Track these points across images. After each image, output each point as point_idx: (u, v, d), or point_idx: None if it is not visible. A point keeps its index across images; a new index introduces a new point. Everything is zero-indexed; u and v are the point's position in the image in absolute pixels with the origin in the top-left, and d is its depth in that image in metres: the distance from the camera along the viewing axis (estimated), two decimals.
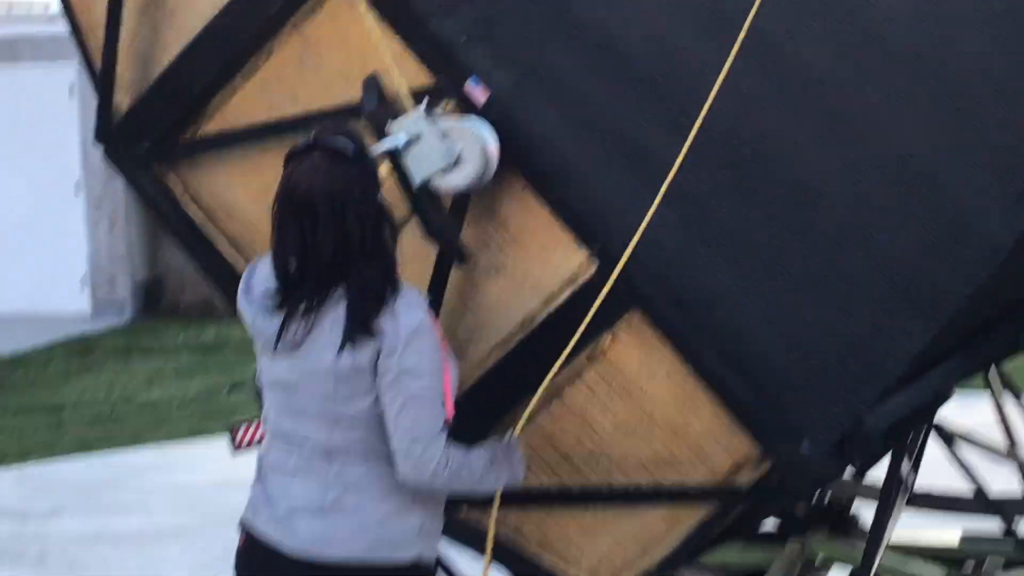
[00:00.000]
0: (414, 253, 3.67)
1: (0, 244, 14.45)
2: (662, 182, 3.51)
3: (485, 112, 3.58)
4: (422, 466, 3.27)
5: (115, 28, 3.97)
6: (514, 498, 3.68)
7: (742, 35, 3.43)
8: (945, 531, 5.18)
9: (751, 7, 3.46)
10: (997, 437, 5.17)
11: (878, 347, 3.44)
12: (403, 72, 3.65)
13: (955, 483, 5.02)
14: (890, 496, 4.16)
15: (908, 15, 3.40)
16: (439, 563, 3.53)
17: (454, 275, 3.70)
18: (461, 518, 3.80)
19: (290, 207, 3.26)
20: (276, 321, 3.29)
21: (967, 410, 5.86)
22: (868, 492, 5.16)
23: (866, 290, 3.45)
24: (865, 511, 5.13)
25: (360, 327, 3.22)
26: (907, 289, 3.42)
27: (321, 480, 3.32)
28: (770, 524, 5.09)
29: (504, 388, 3.70)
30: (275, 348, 3.30)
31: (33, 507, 8.09)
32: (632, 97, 3.57)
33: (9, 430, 10.12)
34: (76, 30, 4.10)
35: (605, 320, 3.62)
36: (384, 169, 3.45)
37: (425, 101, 3.58)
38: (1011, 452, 5.00)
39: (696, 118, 3.50)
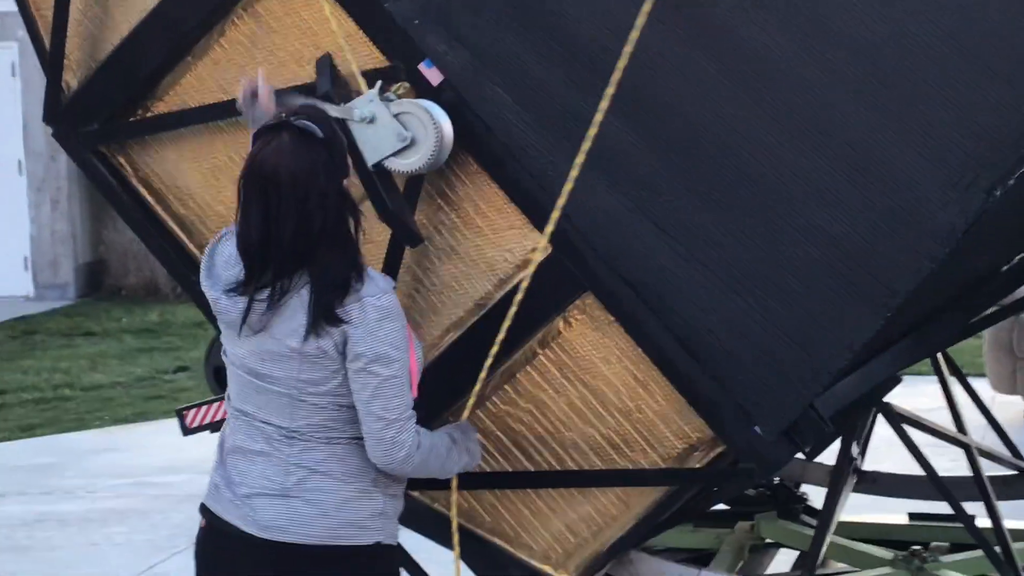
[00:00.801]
0: (368, 235, 3.66)
1: None
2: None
3: (438, 94, 3.57)
4: (395, 449, 3.27)
5: (64, 7, 3.93)
6: (466, 482, 3.68)
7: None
8: (893, 513, 5.24)
9: None
10: (944, 420, 5.23)
11: (827, 334, 3.45)
12: (356, 53, 3.63)
13: (903, 466, 5.07)
14: (839, 479, 4.19)
15: (862, 6, 3.40)
16: (399, 547, 3.52)
17: (408, 257, 3.70)
18: (413, 502, 3.79)
19: (255, 185, 3.23)
20: (240, 303, 3.27)
21: (914, 393, 5.91)
22: (817, 475, 5.21)
23: (816, 277, 3.46)
24: (814, 493, 5.18)
25: (324, 314, 3.21)
26: (856, 276, 3.44)
27: (283, 463, 3.30)
28: (720, 506, 5.13)
29: (458, 370, 3.69)
30: (239, 331, 3.28)
31: None
32: (584, 80, 3.56)
33: None
34: (24, 8, 4.05)
35: (557, 303, 3.62)
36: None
37: (378, 83, 3.57)
38: (958, 435, 5.04)
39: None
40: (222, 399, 4.28)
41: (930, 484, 4.57)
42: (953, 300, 4.23)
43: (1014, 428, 7.56)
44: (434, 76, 3.58)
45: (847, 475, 4.60)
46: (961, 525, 4.52)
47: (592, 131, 3.44)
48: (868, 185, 3.42)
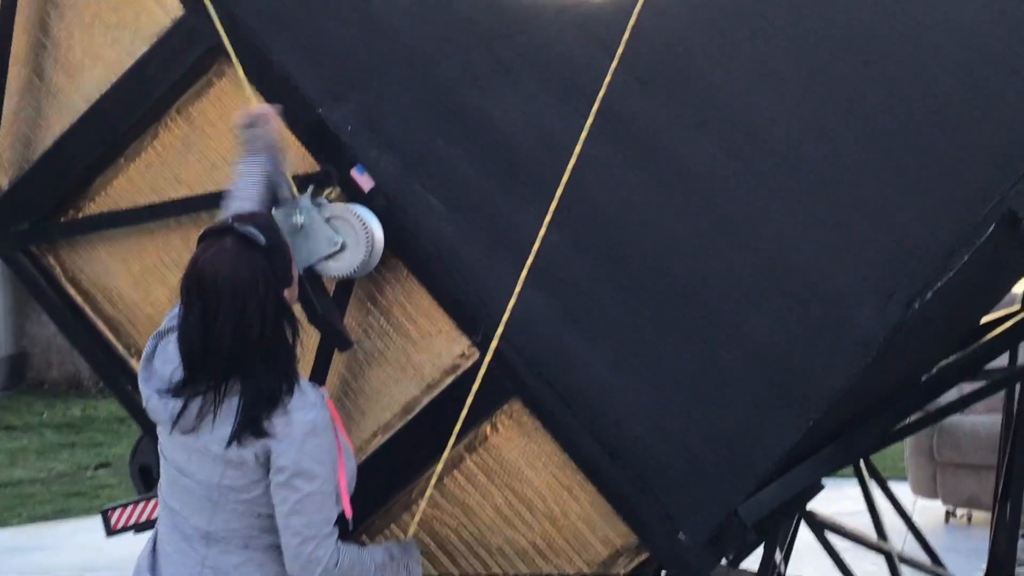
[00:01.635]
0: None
1: None
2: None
3: (370, 199, 3.61)
4: (311, 566, 3.25)
5: None
6: None
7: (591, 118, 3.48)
8: None
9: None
10: (866, 523, 5.28)
11: (751, 440, 3.49)
12: (289, 157, 3.66)
13: (825, 571, 5.10)
14: None
15: (788, 118, 3.49)
16: None
17: (336, 361, 3.70)
18: None
19: (196, 288, 3.24)
20: (171, 403, 3.26)
21: (836, 497, 5.96)
22: None
23: (740, 384, 3.50)
24: None
25: (250, 427, 3.20)
26: (780, 383, 3.49)
27: (197, 565, 3.29)
28: None
29: (385, 475, 3.70)
30: (170, 431, 3.28)
31: None
32: (515, 187, 3.62)
33: None
34: None
35: (485, 409, 3.64)
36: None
37: (310, 188, 3.60)
38: (879, 542, 5.09)
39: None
40: (147, 499, 4.28)
41: None
42: (876, 407, 4.29)
43: (935, 532, 7.64)
44: (366, 182, 3.61)
45: None
46: None
47: (536, 245, 3.48)
48: (794, 292, 3.48)
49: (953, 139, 3.54)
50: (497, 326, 3.54)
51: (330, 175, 3.65)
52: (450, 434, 3.61)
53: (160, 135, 3.87)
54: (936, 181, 3.49)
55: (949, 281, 3.47)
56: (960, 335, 4.83)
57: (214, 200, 3.78)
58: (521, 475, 3.66)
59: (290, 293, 3.34)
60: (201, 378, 3.23)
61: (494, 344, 3.48)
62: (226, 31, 3.66)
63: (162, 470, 3.41)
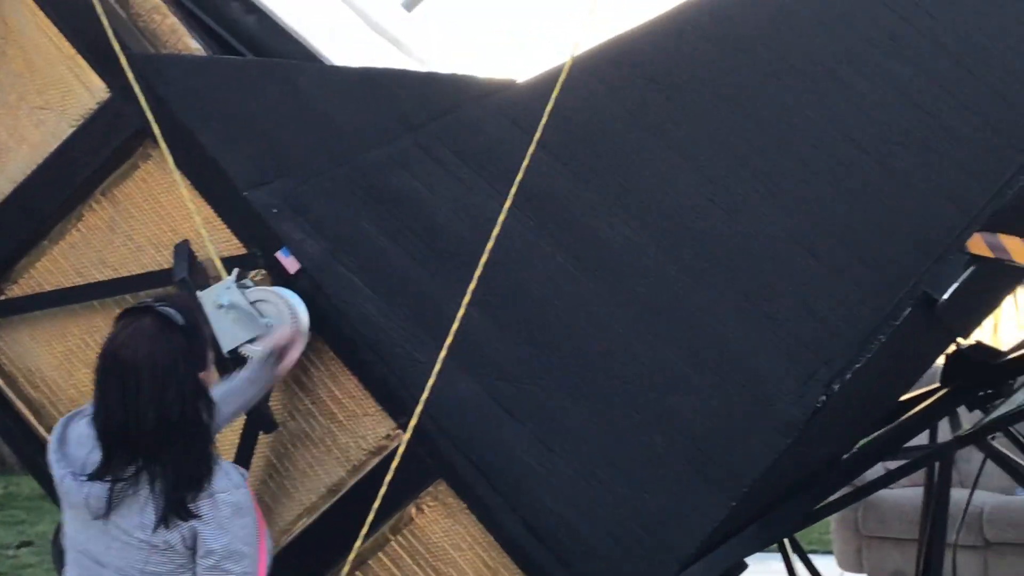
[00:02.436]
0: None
1: None
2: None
3: (295, 282, 3.62)
4: None
5: None
6: None
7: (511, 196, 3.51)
8: None
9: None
10: None
11: (676, 521, 3.50)
12: (215, 240, 3.67)
13: None
14: None
15: (709, 205, 3.54)
16: None
17: (261, 442, 3.70)
18: None
19: (114, 368, 3.21)
20: (87, 487, 3.22)
21: (761, 571, 5.98)
22: None
23: (664, 464, 3.52)
24: None
25: (175, 508, 3.17)
26: (704, 464, 3.51)
27: None
28: None
29: (310, 556, 3.68)
30: (85, 512, 3.23)
31: None
32: (440, 268, 3.64)
33: None
34: None
35: (410, 490, 3.64)
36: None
37: (236, 270, 3.60)
38: None
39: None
40: None
41: None
42: (798, 485, 4.32)
43: None
44: (291, 264, 3.62)
45: None
46: None
47: (455, 325, 3.50)
48: (717, 374, 3.52)
49: (870, 221, 3.60)
50: (421, 408, 3.54)
51: (256, 257, 3.66)
52: (375, 516, 3.60)
53: (85, 217, 3.87)
54: (854, 263, 3.55)
55: (868, 361, 3.52)
56: (880, 413, 4.88)
57: (139, 282, 3.79)
58: (446, 556, 3.65)
59: (206, 375, 3.32)
60: (119, 461, 3.20)
61: (413, 422, 3.48)
62: (153, 113, 3.67)
63: (69, 562, 3.35)
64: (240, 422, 3.67)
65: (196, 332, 3.26)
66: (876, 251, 3.58)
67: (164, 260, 3.76)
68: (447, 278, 3.63)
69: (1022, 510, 7.90)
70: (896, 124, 3.68)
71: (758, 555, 4.78)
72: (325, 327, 3.62)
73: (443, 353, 3.48)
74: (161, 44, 3.79)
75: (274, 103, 3.75)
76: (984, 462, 5.48)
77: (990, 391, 4.99)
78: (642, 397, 3.55)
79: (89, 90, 3.81)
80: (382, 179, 3.70)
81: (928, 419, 4.85)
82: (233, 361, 3.57)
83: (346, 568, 3.59)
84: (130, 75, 3.68)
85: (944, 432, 5.38)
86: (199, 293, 3.57)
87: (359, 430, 3.67)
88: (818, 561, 5.70)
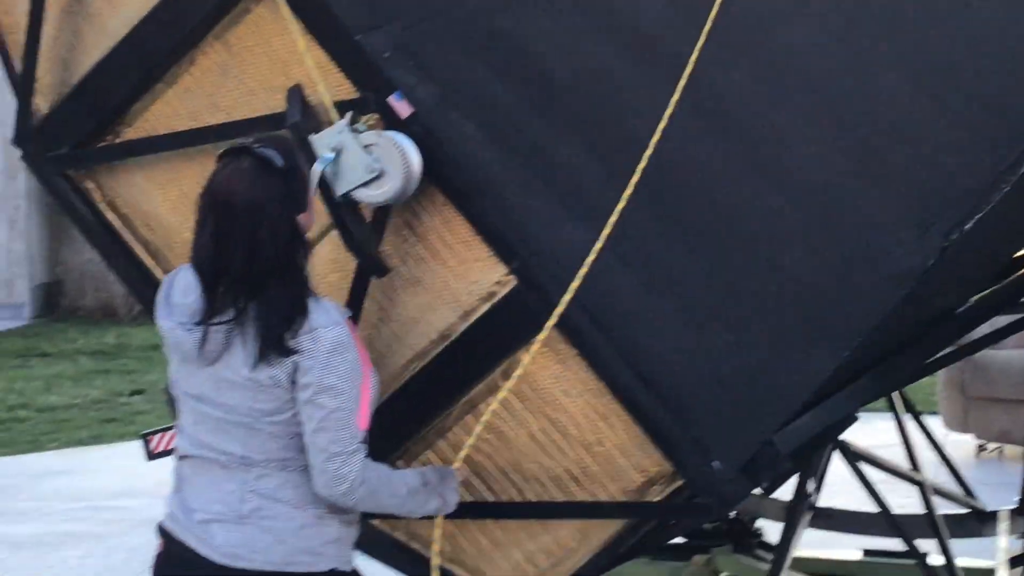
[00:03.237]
0: (334, 263, 3.69)
1: None
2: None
3: (408, 127, 3.60)
4: (336, 482, 3.28)
5: (36, 30, 3.95)
6: None
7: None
8: (847, 549, 5.29)
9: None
10: (899, 456, 5.29)
11: (786, 371, 3.49)
12: (327, 84, 3.66)
13: (858, 502, 5.12)
14: (795, 515, 4.23)
15: (824, 50, 3.47)
16: (355, 573, 3.54)
17: (373, 287, 3.72)
18: (370, 529, 3.82)
19: (210, 207, 3.26)
20: (195, 333, 3.28)
21: (869, 430, 5.97)
22: (773, 510, 5.26)
23: (775, 315, 3.50)
24: (770, 528, 5.22)
25: (273, 346, 3.22)
26: (815, 316, 3.48)
27: (238, 490, 3.32)
28: (677, 539, 5.17)
29: (420, 401, 3.72)
30: (195, 359, 3.30)
31: None
32: (552, 116, 3.61)
33: None
34: None
35: (521, 337, 3.65)
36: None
37: (348, 114, 3.60)
38: (912, 472, 5.10)
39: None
40: None
41: (884, 521, 4.62)
42: (910, 340, 4.29)
43: (966, 466, 7.64)
44: (403, 109, 3.61)
45: (803, 511, 4.64)
46: (914, 562, 4.57)
47: (620, 206, 3.48)
48: (829, 224, 3.47)
49: (996, 68, 3.50)
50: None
51: (368, 102, 3.65)
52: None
53: (198, 61, 3.87)
54: (978, 111, 3.46)
55: (988, 213, 3.45)
56: (995, 269, 4.81)
57: (252, 126, 3.79)
58: (556, 402, 3.68)
59: (305, 218, 3.34)
60: (220, 303, 3.25)
61: (573, 287, 3.44)
62: None
63: (183, 409, 3.42)
64: (351, 265, 3.69)
65: (295, 174, 3.28)
66: (1001, 99, 3.49)
67: (276, 104, 3.75)
68: (558, 123, 3.60)
69: None
70: None
71: (867, 414, 4.78)
72: (437, 171, 3.61)
73: (604, 233, 3.45)
74: None
75: None
76: None
77: None
78: (753, 247, 3.52)
79: None
80: (493, 23, 3.66)
81: None
82: (346, 206, 3.57)
83: (487, 411, 3.63)
84: None
85: None
86: (311, 137, 3.57)
87: (470, 275, 3.67)
88: (925, 421, 5.67)
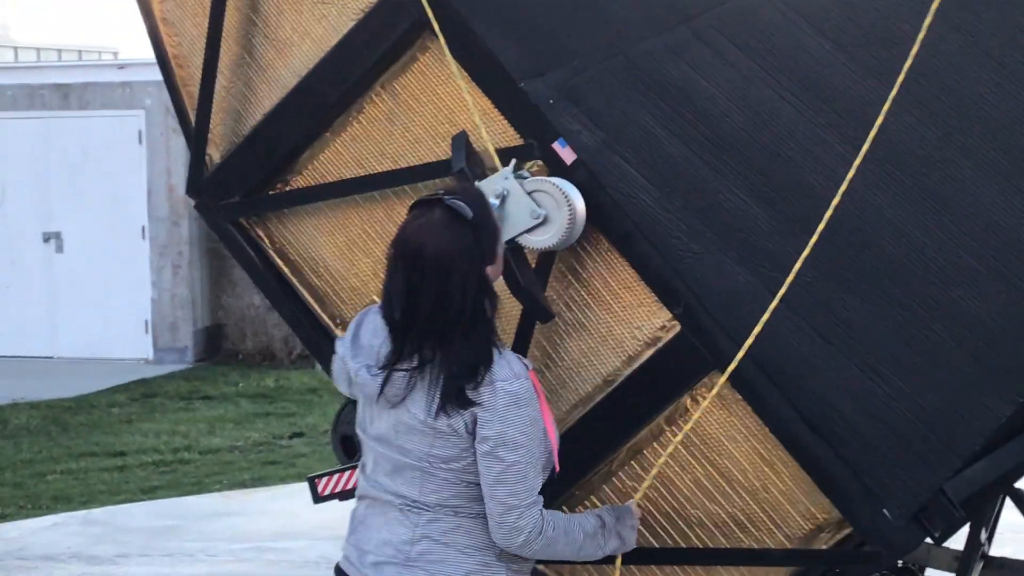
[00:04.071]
0: (499, 309, 3.71)
1: (67, 288, 14.63)
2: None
3: (571, 172, 3.63)
4: (515, 534, 3.30)
5: (210, 83, 4.05)
6: None
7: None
8: None
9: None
10: None
11: (959, 418, 3.43)
12: (491, 131, 3.70)
13: None
14: (967, 565, 4.15)
15: (995, 88, 3.41)
16: None
17: (538, 332, 3.74)
18: (537, 573, 3.82)
19: (400, 256, 3.30)
20: (379, 377, 3.32)
21: None
22: (942, 559, 5.14)
23: (948, 361, 3.45)
24: None
25: (453, 397, 3.25)
26: (988, 360, 3.42)
27: (409, 533, 3.34)
28: None
29: (585, 446, 3.72)
30: (377, 401, 3.34)
31: (100, 551, 8.14)
32: (718, 161, 3.60)
33: (74, 473, 10.20)
34: (171, 85, 4.18)
35: (685, 381, 3.64)
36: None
37: (513, 161, 3.63)
38: None
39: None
40: (350, 468, 4.37)
41: None
42: None
43: None
44: (567, 155, 3.63)
45: (975, 561, 4.55)
46: None
47: (805, 253, 3.47)
48: (1004, 270, 3.41)
49: None
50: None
51: (532, 148, 3.68)
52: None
53: (365, 109, 3.95)
54: None
55: None
56: None
57: (418, 173, 3.85)
58: (721, 448, 3.65)
59: (493, 270, 3.37)
60: (407, 350, 3.29)
61: (733, 366, 3.44)
62: (430, 6, 3.71)
63: (365, 450, 3.47)
64: (517, 311, 3.71)
65: (485, 226, 3.31)
66: None
67: (441, 152, 3.81)
68: (722, 168, 3.60)
69: None
70: None
71: None
72: (601, 217, 3.62)
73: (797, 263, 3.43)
74: None
75: None
76: None
77: None
78: (926, 293, 3.47)
79: None
80: (657, 69, 3.67)
81: None
82: (511, 252, 3.59)
83: (661, 458, 3.62)
84: None
85: None
86: (477, 183, 3.60)
87: (634, 320, 3.67)
88: None
